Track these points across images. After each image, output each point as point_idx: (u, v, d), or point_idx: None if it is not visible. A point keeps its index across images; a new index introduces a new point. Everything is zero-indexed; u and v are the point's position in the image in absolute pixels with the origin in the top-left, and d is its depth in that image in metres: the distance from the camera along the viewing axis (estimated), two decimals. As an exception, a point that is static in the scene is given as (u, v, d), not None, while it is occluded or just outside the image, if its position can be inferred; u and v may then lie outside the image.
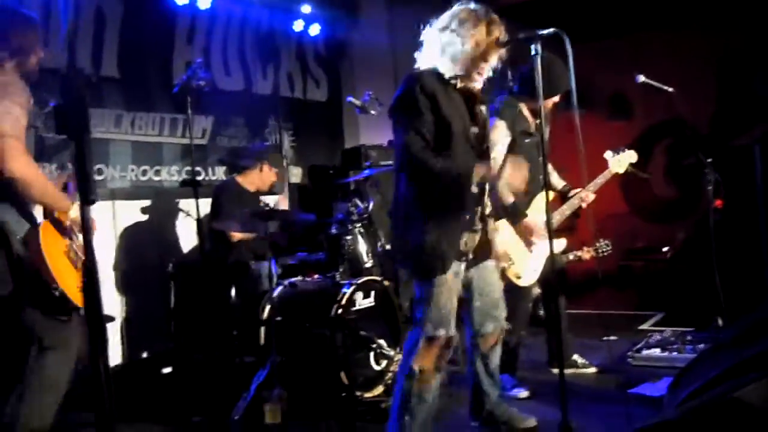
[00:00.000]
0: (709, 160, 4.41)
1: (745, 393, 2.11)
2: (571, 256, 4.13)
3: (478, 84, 2.76)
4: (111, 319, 4.59)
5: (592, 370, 3.99)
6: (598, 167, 3.94)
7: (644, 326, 5.29)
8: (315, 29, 5.82)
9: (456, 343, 2.83)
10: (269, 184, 4.56)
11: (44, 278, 2.49)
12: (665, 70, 7.59)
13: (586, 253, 4.13)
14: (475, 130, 2.76)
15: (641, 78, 4.16)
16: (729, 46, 6.45)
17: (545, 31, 2.63)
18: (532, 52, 2.68)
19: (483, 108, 2.85)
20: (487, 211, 2.88)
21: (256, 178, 4.51)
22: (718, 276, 4.34)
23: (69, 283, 2.55)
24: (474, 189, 2.75)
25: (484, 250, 2.90)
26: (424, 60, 2.74)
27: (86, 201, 1.24)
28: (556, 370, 3.80)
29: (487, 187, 2.84)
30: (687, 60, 7.49)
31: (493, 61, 2.71)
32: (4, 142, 2.38)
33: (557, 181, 3.99)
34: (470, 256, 2.81)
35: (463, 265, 2.79)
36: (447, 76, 2.68)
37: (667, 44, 7.87)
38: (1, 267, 2.43)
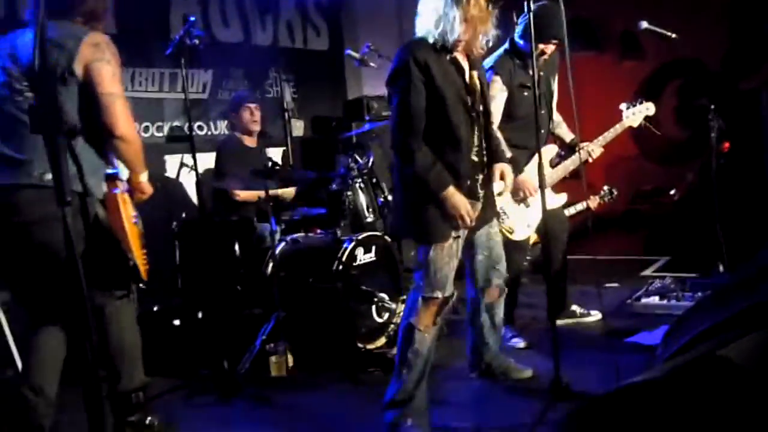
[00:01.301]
0: (713, 106, 4.35)
1: (729, 350, 2.16)
2: (572, 210, 4.14)
3: (475, 51, 2.74)
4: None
5: (591, 319, 4.05)
6: (611, 115, 3.87)
7: (646, 272, 5.34)
8: (314, -23, 5.71)
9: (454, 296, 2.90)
10: (252, 122, 4.52)
11: (122, 247, 2.53)
12: (678, 7, 7.44)
13: (592, 202, 4.11)
14: (468, 99, 2.75)
15: (644, 24, 4.06)
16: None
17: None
18: (526, 10, 2.66)
19: (476, 74, 2.82)
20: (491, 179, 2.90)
21: (248, 125, 4.51)
22: (719, 221, 4.35)
23: (138, 254, 2.61)
24: (474, 158, 2.78)
25: (488, 213, 2.94)
26: (420, 29, 2.72)
27: (62, 202, 1.27)
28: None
29: (485, 155, 2.85)
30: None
31: (487, 29, 2.67)
32: (116, 102, 2.49)
33: (565, 133, 3.94)
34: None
35: (465, 230, 2.83)
36: (439, 45, 2.66)
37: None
38: (77, 227, 2.43)
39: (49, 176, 1.93)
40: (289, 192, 4.63)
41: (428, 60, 2.63)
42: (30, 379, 2.56)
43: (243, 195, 4.32)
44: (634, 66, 8.29)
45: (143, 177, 2.76)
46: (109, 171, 2.64)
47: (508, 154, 3.51)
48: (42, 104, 1.24)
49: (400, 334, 2.86)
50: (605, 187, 4.27)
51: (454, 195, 2.65)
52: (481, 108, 2.83)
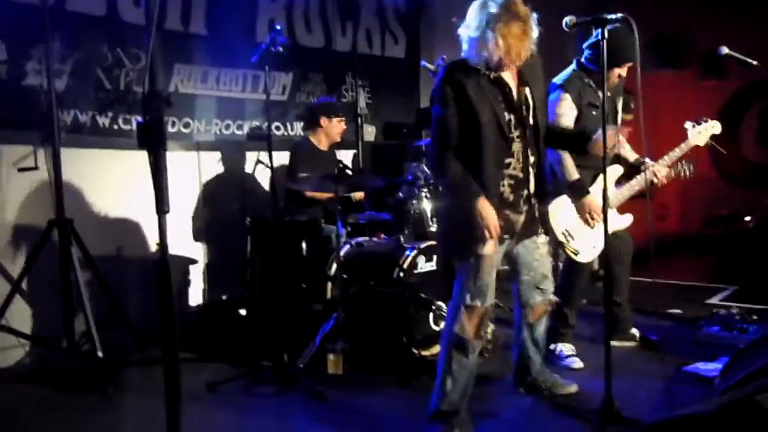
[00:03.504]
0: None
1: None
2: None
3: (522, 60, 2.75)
4: (194, 261, 4.98)
5: (650, 344, 4.02)
6: (683, 133, 3.81)
7: (712, 300, 5.22)
8: (396, -15, 5.83)
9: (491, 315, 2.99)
10: (338, 134, 4.75)
11: None
12: (765, 27, 7.20)
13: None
14: (510, 116, 2.81)
15: (725, 50, 3.99)
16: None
17: (612, 16, 2.65)
18: (598, 36, 2.70)
19: (527, 90, 2.87)
20: (533, 191, 2.95)
21: (324, 133, 4.70)
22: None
23: None
24: (518, 173, 2.86)
25: (531, 228, 3.00)
26: (464, 51, 2.79)
27: (161, 211, 1.43)
28: (613, 343, 3.86)
29: (532, 171, 2.91)
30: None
31: (527, 44, 2.69)
32: None
33: (629, 153, 3.93)
34: (513, 234, 2.93)
35: (506, 241, 2.92)
36: (480, 66, 2.74)
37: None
38: None
39: None
40: (358, 194, 4.79)
41: (463, 81, 2.74)
42: None
43: (313, 193, 4.50)
44: (715, 85, 8.08)
45: None
46: None
47: (576, 176, 3.56)
48: (148, 123, 1.40)
49: (443, 342, 2.95)
50: (683, 162, 3.91)
51: (482, 203, 2.74)
52: (531, 122, 2.88)
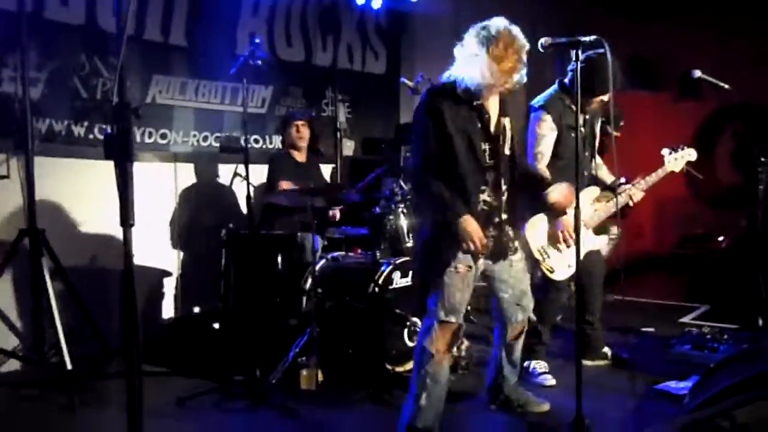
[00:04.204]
0: (762, 158, 4.31)
1: (743, 412, 2.18)
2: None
3: (508, 89, 2.82)
4: (168, 273, 4.93)
5: (622, 363, 4.04)
6: (659, 157, 3.88)
7: (685, 319, 5.28)
8: (377, 2, 5.86)
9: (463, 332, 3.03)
10: (298, 139, 4.73)
11: None
12: (742, 50, 7.34)
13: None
14: (486, 146, 2.87)
15: (697, 73, 4.08)
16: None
17: (587, 38, 2.69)
18: (574, 58, 2.74)
19: (507, 120, 2.93)
20: (504, 217, 2.98)
21: (294, 141, 4.71)
22: (763, 274, 4.28)
23: None
24: (491, 200, 2.91)
25: (505, 248, 3.02)
26: (450, 74, 2.85)
27: (125, 224, 1.41)
28: (586, 362, 3.89)
29: (504, 200, 2.95)
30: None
31: (517, 71, 2.74)
32: None
33: (606, 176, 3.97)
34: (487, 254, 2.96)
35: (480, 260, 2.94)
36: (462, 92, 2.80)
37: (746, 25, 7.55)
38: None
39: None
40: (335, 211, 4.78)
41: (442, 107, 2.80)
42: None
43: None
44: (691, 107, 8.21)
45: None
46: None
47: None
48: (115, 135, 1.39)
49: (416, 358, 2.96)
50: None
51: (467, 220, 2.78)
52: (507, 152, 2.94)
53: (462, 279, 2.87)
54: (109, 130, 1.53)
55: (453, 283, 2.86)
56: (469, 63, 2.74)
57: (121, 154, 1.42)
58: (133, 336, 1.50)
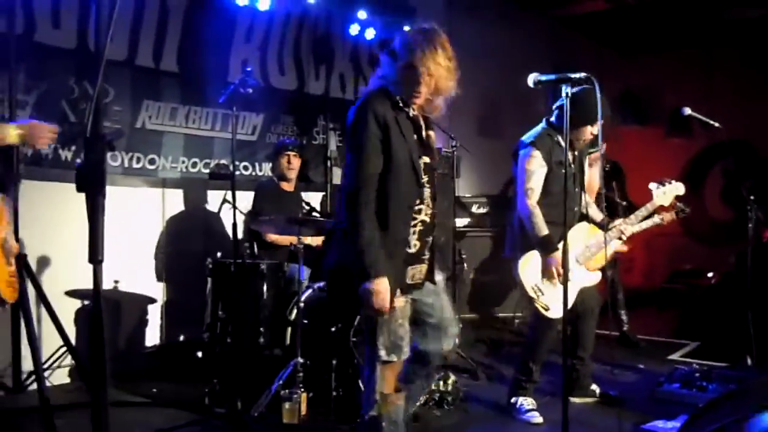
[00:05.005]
0: (752, 197, 4.32)
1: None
2: (647, 224, 3.89)
3: (435, 112, 2.72)
4: (153, 300, 4.86)
5: (610, 400, 3.99)
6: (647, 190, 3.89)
7: (674, 356, 5.24)
8: (370, 33, 5.90)
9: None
10: (287, 170, 4.69)
11: None
12: (731, 88, 7.43)
13: (666, 216, 3.88)
14: (425, 160, 2.70)
15: (687, 111, 4.11)
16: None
17: (576, 75, 2.69)
18: (563, 94, 2.74)
19: (432, 134, 2.78)
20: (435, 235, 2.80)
21: (285, 171, 4.68)
22: (752, 312, 4.27)
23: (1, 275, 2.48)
24: (426, 218, 2.70)
25: (432, 272, 2.82)
26: (379, 78, 2.67)
27: (94, 261, 1.37)
28: (574, 399, 3.84)
29: (435, 218, 2.76)
30: (758, 77, 7.21)
31: (450, 88, 2.63)
32: None
33: (595, 213, 3.94)
34: (421, 285, 2.77)
35: (414, 292, 2.74)
36: (398, 99, 2.61)
37: (738, 59, 7.65)
38: None
39: None
40: (319, 240, 4.72)
41: (386, 117, 2.56)
42: None
43: (274, 238, 4.45)
44: (681, 142, 8.28)
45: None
46: None
47: (545, 231, 3.56)
48: (87, 166, 1.36)
49: (367, 407, 2.70)
50: (679, 203, 4.03)
51: (381, 284, 2.50)
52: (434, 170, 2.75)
53: (398, 315, 2.61)
54: (79, 162, 1.48)
55: (390, 320, 2.59)
56: (401, 71, 2.57)
57: (93, 186, 1.37)
58: (100, 376, 1.45)
